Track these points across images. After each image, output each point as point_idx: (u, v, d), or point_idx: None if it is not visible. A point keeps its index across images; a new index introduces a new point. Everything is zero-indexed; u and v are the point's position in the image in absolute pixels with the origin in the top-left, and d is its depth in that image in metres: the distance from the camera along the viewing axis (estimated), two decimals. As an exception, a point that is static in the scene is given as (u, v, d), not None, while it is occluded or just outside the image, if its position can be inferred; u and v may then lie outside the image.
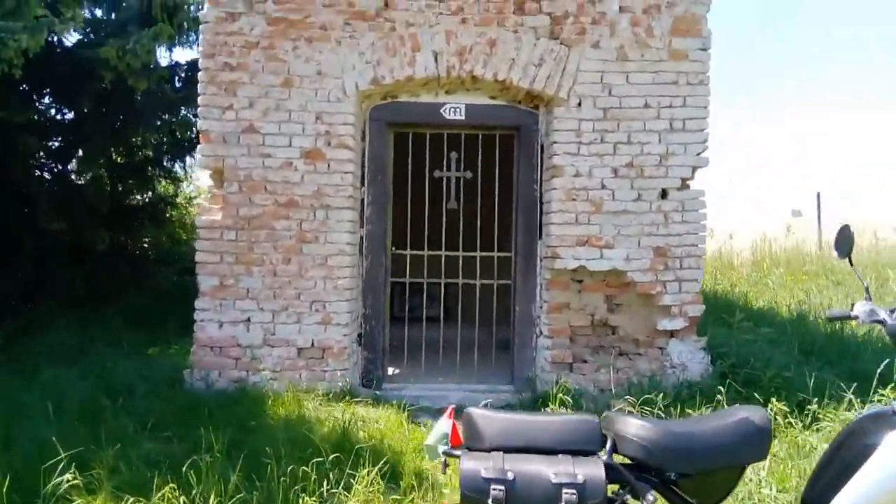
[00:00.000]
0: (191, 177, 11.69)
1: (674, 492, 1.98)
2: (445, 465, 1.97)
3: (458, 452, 1.92)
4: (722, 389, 4.49)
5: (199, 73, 5.10)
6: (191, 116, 10.16)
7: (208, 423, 4.16)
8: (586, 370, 5.25)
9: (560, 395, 4.57)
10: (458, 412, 2.01)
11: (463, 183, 5.79)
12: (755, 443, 1.99)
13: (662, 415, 4.38)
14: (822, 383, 4.66)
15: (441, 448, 1.95)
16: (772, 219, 18.09)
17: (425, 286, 5.80)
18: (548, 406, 4.66)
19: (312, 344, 5.13)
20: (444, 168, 5.73)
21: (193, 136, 10.81)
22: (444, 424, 1.94)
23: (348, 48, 5.14)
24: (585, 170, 5.20)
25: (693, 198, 5.24)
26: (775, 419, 4.26)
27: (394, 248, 5.66)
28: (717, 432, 1.98)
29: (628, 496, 1.93)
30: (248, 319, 5.12)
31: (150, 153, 10.22)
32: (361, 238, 5.40)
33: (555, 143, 5.21)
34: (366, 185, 5.43)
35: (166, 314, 7.64)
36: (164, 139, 10.25)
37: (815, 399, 4.46)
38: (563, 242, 5.20)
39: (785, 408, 4.25)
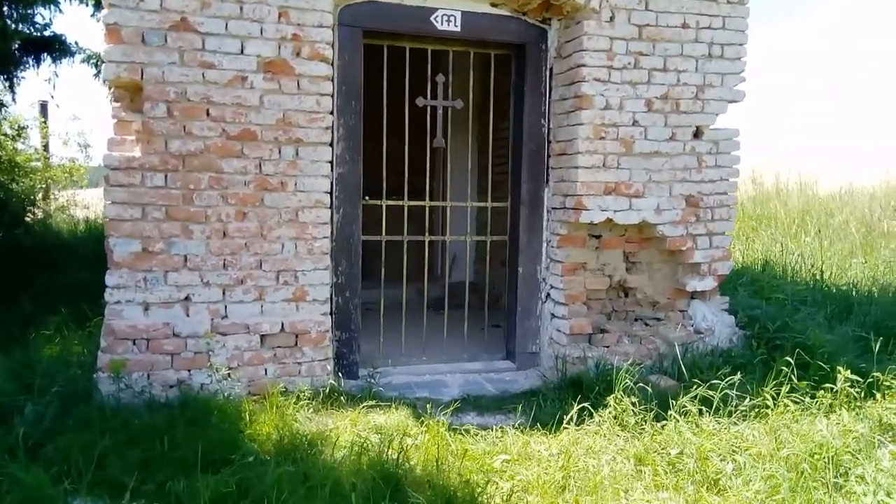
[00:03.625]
0: (15, 100, 9.10)
1: None
2: None
3: None
4: (775, 359, 3.90)
5: (102, -65, 3.39)
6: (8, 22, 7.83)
7: (170, 462, 2.82)
8: (608, 341, 4.46)
9: (624, 377, 3.68)
10: None
11: (451, 114, 4.61)
12: None
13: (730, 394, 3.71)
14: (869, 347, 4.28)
15: None
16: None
17: (405, 245, 4.61)
18: (596, 394, 3.80)
19: (282, 328, 3.81)
20: (429, 95, 4.50)
21: (16, 47, 8.41)
22: None
23: (325, -83, 3.69)
24: (616, 102, 4.27)
25: (728, 138, 4.53)
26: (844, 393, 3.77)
27: (366, 198, 4.39)
28: None
29: None
30: (188, 298, 3.66)
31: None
32: (330, 184, 4.07)
33: (582, 65, 4.20)
34: (335, 113, 4.08)
35: (15, 286, 5.73)
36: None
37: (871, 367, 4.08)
38: (589, 190, 4.27)
39: (854, 376, 3.79)
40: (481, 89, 4.62)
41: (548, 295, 4.61)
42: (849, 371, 3.78)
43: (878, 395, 3.83)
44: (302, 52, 3.73)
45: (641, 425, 3.46)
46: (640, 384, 3.90)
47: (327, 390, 3.70)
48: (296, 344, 3.83)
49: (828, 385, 3.81)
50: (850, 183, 11.15)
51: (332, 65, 3.98)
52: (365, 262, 4.29)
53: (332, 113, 3.98)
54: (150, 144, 3.53)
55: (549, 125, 4.55)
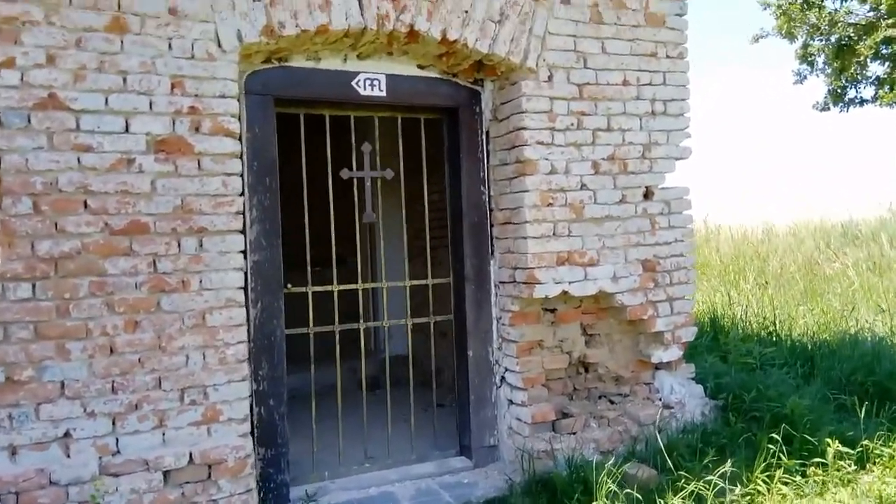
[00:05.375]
0: None
1: None
2: None
3: None
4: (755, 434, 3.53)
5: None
6: None
7: None
8: (575, 427, 3.97)
9: (605, 481, 3.18)
10: None
11: (381, 186, 4.13)
12: None
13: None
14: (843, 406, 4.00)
15: None
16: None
17: (337, 334, 4.01)
18: (575, 501, 3.28)
19: (191, 459, 3.11)
20: (355, 166, 4.01)
21: None
22: None
23: (222, -26, 3.20)
24: (562, 165, 3.91)
25: (679, 197, 4.24)
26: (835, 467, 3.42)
27: (289, 286, 3.80)
28: None
29: None
30: (68, 434, 2.93)
31: None
32: (245, 275, 3.47)
33: (523, 128, 3.82)
34: (246, 193, 3.51)
35: None
36: None
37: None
38: (541, 262, 3.85)
39: (843, 448, 3.45)
40: (412, 155, 4.18)
41: (502, 379, 4.11)
42: (837, 442, 3.46)
43: (871, 466, 3.51)
44: (202, 127, 3.17)
45: (630, 538, 2.97)
46: (620, 481, 3.40)
47: (251, 533, 3.02)
48: (209, 477, 3.13)
49: (816, 459, 3.47)
50: (768, 223, 11.38)
51: (241, 139, 3.43)
52: (288, 347, 3.68)
53: (241, 194, 3.40)
54: (11, 248, 2.85)
55: (489, 192, 4.13)
